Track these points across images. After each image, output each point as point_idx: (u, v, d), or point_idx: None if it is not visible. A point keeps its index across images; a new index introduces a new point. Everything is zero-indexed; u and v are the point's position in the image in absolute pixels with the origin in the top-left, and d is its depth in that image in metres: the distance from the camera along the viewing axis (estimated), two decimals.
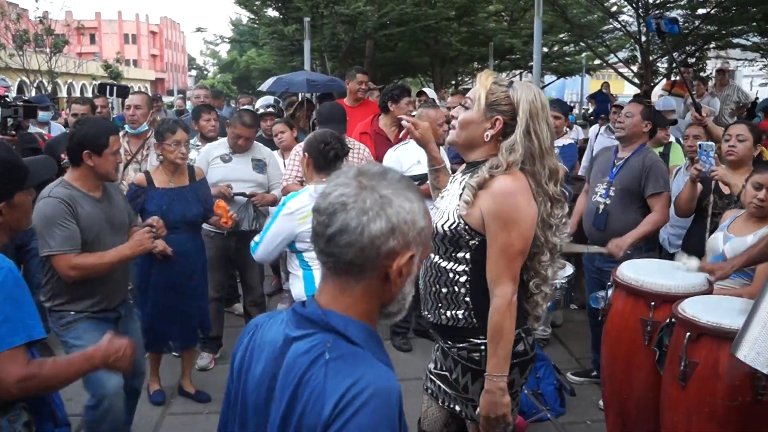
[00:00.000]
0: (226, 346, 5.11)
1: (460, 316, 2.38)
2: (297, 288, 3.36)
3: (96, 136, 3.21)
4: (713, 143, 4.00)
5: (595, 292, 3.99)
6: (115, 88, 5.34)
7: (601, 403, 4.28)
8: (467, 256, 2.33)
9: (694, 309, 2.76)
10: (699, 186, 4.18)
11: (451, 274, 2.36)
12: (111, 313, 3.38)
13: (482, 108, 2.29)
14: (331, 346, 1.27)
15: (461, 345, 2.41)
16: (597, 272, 4.36)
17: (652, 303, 3.10)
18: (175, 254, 4.10)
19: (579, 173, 6.40)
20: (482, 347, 2.34)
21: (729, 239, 3.52)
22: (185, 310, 4.26)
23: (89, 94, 37.16)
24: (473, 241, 2.31)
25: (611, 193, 4.26)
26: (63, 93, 36.15)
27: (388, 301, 1.37)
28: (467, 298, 2.35)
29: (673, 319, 2.88)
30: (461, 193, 2.33)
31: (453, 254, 2.35)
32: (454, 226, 2.31)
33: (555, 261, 2.42)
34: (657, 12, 16.28)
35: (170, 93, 38.70)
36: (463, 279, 2.35)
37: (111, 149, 3.25)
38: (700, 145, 3.99)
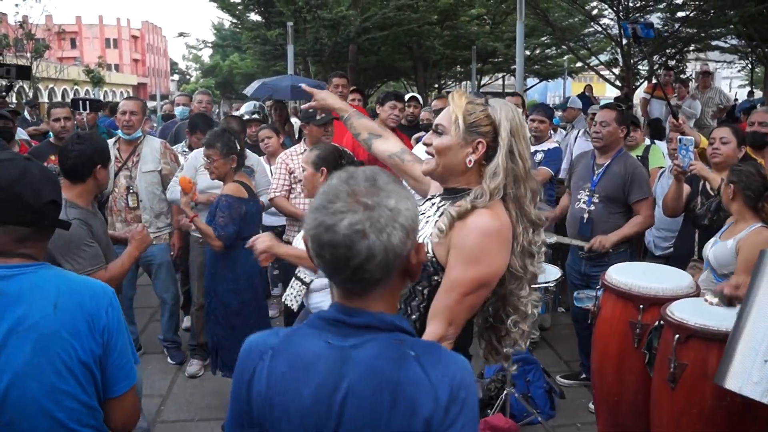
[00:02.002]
0: None
1: None
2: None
3: (104, 149, 3.27)
4: (692, 138, 4.03)
5: (578, 291, 4.01)
6: (87, 102, 5.30)
7: (591, 405, 4.32)
8: (425, 291, 2.06)
9: (682, 311, 2.80)
10: (686, 187, 4.21)
11: (403, 306, 2.08)
12: None
13: (461, 131, 2.03)
14: (406, 344, 1.32)
15: None
16: (581, 277, 4.40)
17: (641, 306, 3.14)
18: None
19: (561, 176, 6.44)
20: None
21: (715, 245, 3.55)
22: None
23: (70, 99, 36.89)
24: (436, 277, 2.04)
25: (594, 200, 4.31)
26: (44, 98, 35.81)
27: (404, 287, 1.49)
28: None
29: (661, 322, 2.92)
30: (435, 220, 2.10)
31: (413, 286, 2.06)
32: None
33: (532, 295, 2.16)
34: (633, 17, 16.47)
35: (153, 98, 38.50)
36: (414, 316, 2.07)
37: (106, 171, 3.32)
38: (679, 139, 4.01)
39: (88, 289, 1.83)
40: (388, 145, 2.56)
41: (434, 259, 2.02)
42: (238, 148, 4.15)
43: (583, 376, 4.72)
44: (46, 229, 1.90)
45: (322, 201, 1.29)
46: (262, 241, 3.26)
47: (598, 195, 4.31)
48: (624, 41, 17.11)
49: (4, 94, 4.54)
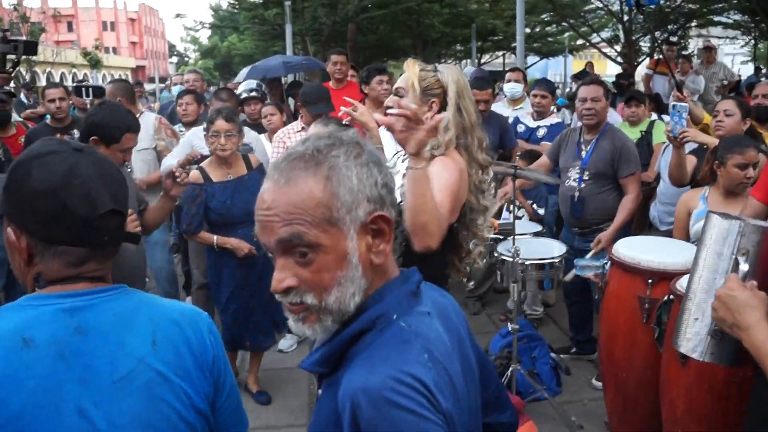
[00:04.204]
0: None
1: None
2: None
3: (109, 126, 3.09)
4: (686, 105, 3.94)
5: (578, 258, 3.96)
6: (90, 89, 5.24)
7: (594, 381, 4.31)
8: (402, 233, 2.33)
9: None
10: (692, 158, 4.14)
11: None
12: None
13: (418, 94, 2.43)
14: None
15: None
16: (574, 252, 4.35)
17: (650, 280, 3.09)
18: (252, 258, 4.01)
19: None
20: None
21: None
22: (259, 309, 4.09)
23: (68, 83, 36.72)
24: None
25: (585, 178, 4.26)
26: (42, 82, 35.67)
27: None
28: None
29: (671, 296, 2.87)
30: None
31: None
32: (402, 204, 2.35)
33: (487, 223, 2.60)
34: None
35: (151, 80, 38.28)
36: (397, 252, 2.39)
37: (121, 146, 3.12)
38: (673, 105, 3.91)
39: (185, 316, 1.45)
40: None
41: None
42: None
43: (574, 350, 4.74)
44: (111, 247, 1.41)
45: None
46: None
47: (589, 172, 4.25)
48: (625, 17, 16.94)
49: (10, 70, 4.47)
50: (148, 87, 28.11)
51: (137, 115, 5.05)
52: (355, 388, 1.04)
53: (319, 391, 1.21)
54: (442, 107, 2.46)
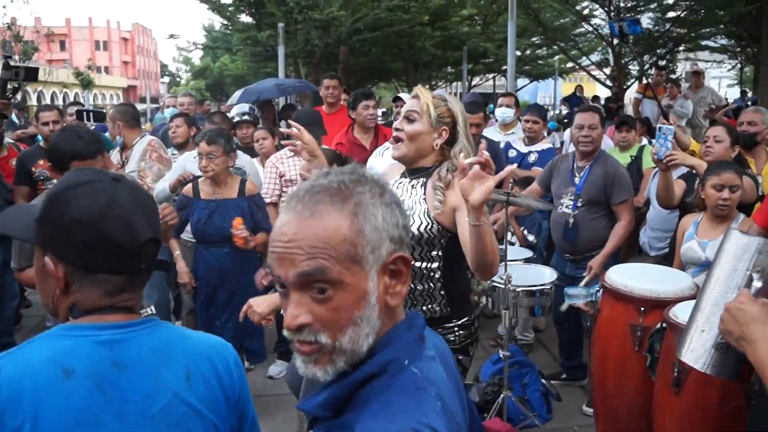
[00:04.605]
0: None
1: (437, 308, 2.56)
2: None
3: (57, 153, 2.99)
4: (672, 127, 3.95)
5: (567, 287, 3.95)
6: (91, 113, 5.24)
7: (585, 407, 4.29)
8: (440, 253, 2.52)
9: (686, 314, 2.74)
10: (682, 183, 4.16)
11: (425, 272, 2.54)
12: None
13: (432, 120, 2.51)
14: None
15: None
16: (565, 278, 4.36)
17: (642, 308, 3.09)
18: (211, 269, 4.12)
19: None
20: (455, 329, 2.60)
21: (705, 245, 3.51)
22: (226, 328, 4.11)
23: (60, 102, 36.71)
24: (443, 239, 2.50)
25: (579, 205, 4.27)
26: (33, 101, 35.62)
27: None
28: (442, 291, 2.55)
29: (663, 324, 2.88)
30: (421, 197, 2.53)
31: (427, 254, 2.52)
32: (428, 227, 2.49)
33: None
34: (624, 17, 16.52)
35: (143, 100, 38.33)
36: (437, 275, 2.54)
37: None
38: (659, 128, 3.90)
39: (214, 349, 1.47)
40: None
41: (440, 227, 2.48)
42: (234, 147, 4.18)
43: (564, 376, 4.74)
44: (144, 275, 1.44)
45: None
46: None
47: (582, 199, 4.27)
48: (615, 41, 17.13)
49: (10, 96, 4.47)
50: (140, 107, 28.11)
51: (138, 138, 5.09)
52: None
53: None
54: (451, 135, 2.55)
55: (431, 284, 2.54)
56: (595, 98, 16.39)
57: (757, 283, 1.75)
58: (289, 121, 2.89)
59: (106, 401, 1.27)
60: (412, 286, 2.51)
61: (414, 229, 2.49)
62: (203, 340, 1.48)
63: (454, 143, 2.55)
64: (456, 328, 2.60)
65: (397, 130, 2.56)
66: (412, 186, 2.59)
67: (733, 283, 1.82)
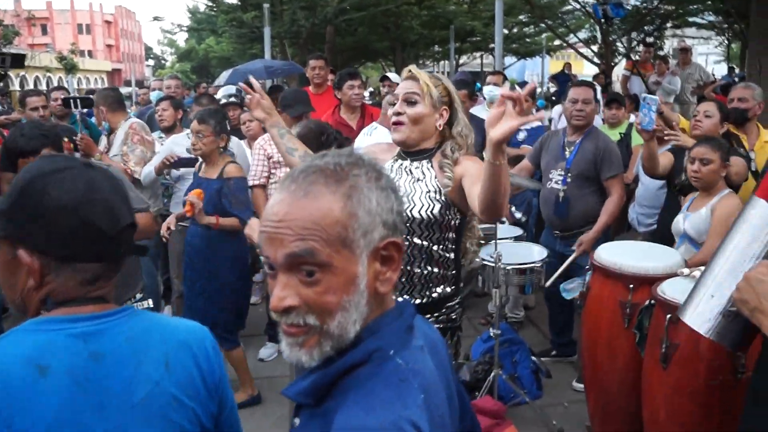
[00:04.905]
0: None
1: (448, 290, 2.57)
2: None
3: (5, 150, 3.01)
4: (656, 98, 3.94)
5: (564, 283, 3.99)
6: (78, 100, 5.17)
7: (574, 383, 4.33)
8: (453, 235, 2.52)
9: (673, 290, 2.76)
10: (670, 155, 4.17)
11: (442, 256, 2.52)
12: None
13: (435, 100, 2.47)
14: None
15: (441, 312, 2.60)
16: (555, 255, 4.38)
17: (631, 285, 3.10)
18: (186, 245, 4.16)
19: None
20: (456, 306, 2.63)
21: (687, 217, 3.60)
22: (197, 309, 4.08)
23: (43, 87, 36.29)
24: (456, 221, 2.50)
25: (569, 180, 4.27)
26: (15, 86, 35.23)
27: None
28: (454, 271, 2.57)
29: (652, 301, 2.88)
30: (430, 178, 2.49)
31: (443, 236, 2.50)
32: (441, 209, 2.46)
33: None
34: None
35: (128, 84, 37.93)
36: (452, 257, 2.54)
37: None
38: (643, 97, 3.89)
39: (192, 335, 1.44)
40: None
41: (452, 206, 2.47)
42: (228, 130, 4.14)
43: (554, 352, 4.78)
44: (120, 262, 1.40)
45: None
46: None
47: (572, 174, 4.27)
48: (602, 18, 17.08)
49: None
50: (124, 90, 27.84)
51: (122, 122, 5.05)
52: (352, 427, 1.00)
53: (296, 420, 1.16)
54: (450, 114, 2.54)
55: (446, 267, 2.53)
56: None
57: None
58: (251, 77, 2.83)
59: (85, 396, 1.23)
60: (429, 269, 2.51)
61: (415, 212, 2.46)
62: (181, 327, 1.45)
63: (452, 122, 2.53)
64: (457, 306, 2.63)
65: (398, 114, 2.48)
66: (415, 168, 2.54)
67: (750, 252, 1.80)
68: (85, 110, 5.19)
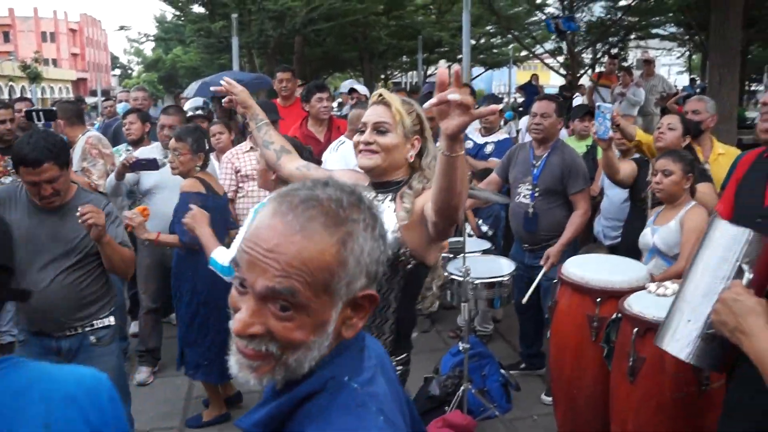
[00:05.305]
0: (164, 359, 4.94)
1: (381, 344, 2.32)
2: None
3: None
4: (611, 106, 4.00)
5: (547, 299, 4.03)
6: (42, 113, 5.07)
7: (543, 396, 4.35)
8: (401, 281, 2.22)
9: (640, 304, 2.80)
10: (632, 163, 4.23)
11: (381, 301, 2.21)
12: (48, 339, 3.04)
13: (406, 130, 2.24)
14: None
15: None
16: (524, 268, 4.42)
17: (598, 299, 3.14)
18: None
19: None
20: (402, 361, 2.35)
21: (656, 231, 3.63)
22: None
23: (6, 96, 35.64)
24: (409, 265, 2.20)
25: (536, 195, 4.31)
26: None
27: None
28: (393, 326, 2.26)
29: (619, 315, 2.92)
30: (389, 214, 2.22)
31: (388, 279, 2.21)
32: (394, 248, 2.18)
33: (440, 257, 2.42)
34: (576, 6, 16.76)
35: (93, 93, 37.45)
36: (393, 307, 2.24)
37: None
38: (598, 106, 3.93)
39: (82, 387, 1.30)
40: (296, 160, 2.62)
41: (405, 250, 2.17)
42: (206, 148, 4.04)
43: (523, 365, 4.80)
44: None
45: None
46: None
47: (540, 188, 4.31)
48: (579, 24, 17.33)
49: None
50: (90, 100, 27.49)
51: (80, 135, 4.97)
52: None
53: None
54: (421, 144, 2.31)
55: (384, 316, 2.25)
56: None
57: (749, 274, 1.75)
58: (227, 79, 2.73)
59: None
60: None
61: None
62: (70, 378, 1.31)
63: (423, 152, 2.31)
64: (394, 364, 2.30)
65: (367, 143, 2.24)
66: (379, 201, 2.29)
67: (721, 274, 1.82)
68: (48, 123, 5.10)
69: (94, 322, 3.09)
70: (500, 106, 5.09)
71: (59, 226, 2.99)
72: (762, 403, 1.65)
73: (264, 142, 2.65)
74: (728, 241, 1.82)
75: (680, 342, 1.93)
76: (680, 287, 1.98)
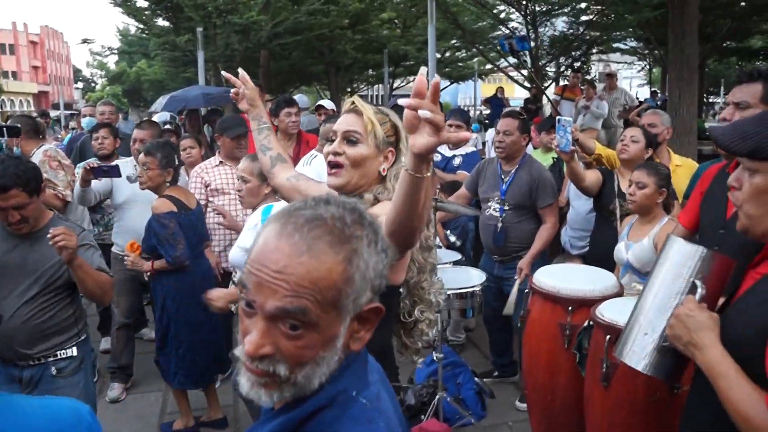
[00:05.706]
0: (136, 375, 4.90)
1: None
2: None
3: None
4: (570, 119, 4.09)
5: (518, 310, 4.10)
6: (5, 129, 5.01)
7: (518, 403, 4.41)
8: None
9: (611, 312, 2.87)
10: (597, 173, 4.33)
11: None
12: (12, 367, 2.98)
13: (379, 141, 2.09)
14: None
15: None
16: (494, 279, 4.52)
17: (570, 308, 3.21)
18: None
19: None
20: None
21: (630, 247, 3.67)
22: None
23: None
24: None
25: (506, 209, 4.41)
26: None
27: None
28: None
29: (590, 322, 2.99)
30: None
31: None
32: None
33: (436, 284, 2.29)
34: (540, 21, 17.05)
35: (56, 107, 36.86)
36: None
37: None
38: (558, 119, 4.01)
39: (55, 423, 1.21)
40: (287, 170, 2.53)
41: None
42: (176, 163, 4.03)
43: (496, 373, 4.87)
44: None
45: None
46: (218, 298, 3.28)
47: (509, 203, 4.40)
48: (532, 44, 17.58)
49: None
50: (53, 113, 27.09)
51: (35, 149, 4.92)
52: None
53: None
54: (396, 157, 2.14)
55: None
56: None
57: (702, 290, 1.83)
58: (238, 71, 2.65)
59: None
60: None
61: None
62: (46, 414, 1.23)
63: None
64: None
65: (335, 154, 2.10)
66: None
67: (675, 289, 1.89)
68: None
69: (58, 352, 3.02)
70: (472, 136, 5.16)
71: (28, 253, 2.95)
72: (712, 408, 1.73)
73: (262, 147, 2.58)
74: (683, 257, 1.90)
75: (637, 354, 2.00)
76: (637, 301, 2.06)
